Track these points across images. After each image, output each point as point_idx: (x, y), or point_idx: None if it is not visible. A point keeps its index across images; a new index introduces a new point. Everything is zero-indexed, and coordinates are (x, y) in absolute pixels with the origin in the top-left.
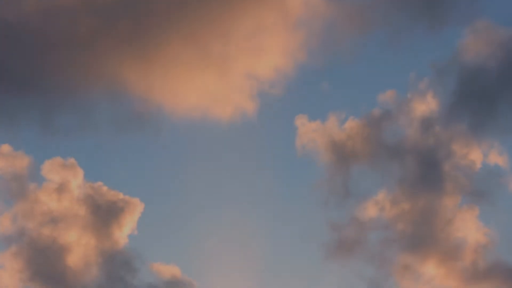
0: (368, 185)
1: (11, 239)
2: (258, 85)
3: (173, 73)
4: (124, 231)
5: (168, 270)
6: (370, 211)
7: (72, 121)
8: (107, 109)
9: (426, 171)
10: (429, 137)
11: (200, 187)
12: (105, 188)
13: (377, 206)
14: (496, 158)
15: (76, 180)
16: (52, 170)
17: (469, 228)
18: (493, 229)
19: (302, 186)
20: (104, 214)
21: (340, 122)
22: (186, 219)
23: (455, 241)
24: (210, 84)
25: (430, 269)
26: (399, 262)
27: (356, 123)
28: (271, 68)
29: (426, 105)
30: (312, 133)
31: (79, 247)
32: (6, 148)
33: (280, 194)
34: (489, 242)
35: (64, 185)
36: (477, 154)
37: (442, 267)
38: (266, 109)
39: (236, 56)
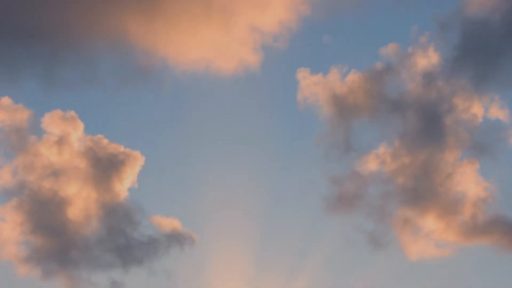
0: (369, 139)
1: (12, 192)
2: (261, 38)
3: (177, 26)
4: (124, 184)
5: (169, 223)
6: (370, 165)
7: (75, 74)
8: (111, 62)
9: (427, 125)
10: (430, 91)
11: (202, 141)
12: (105, 141)
13: (378, 160)
14: (497, 112)
15: (76, 133)
16: (52, 123)
17: (469, 182)
18: (493, 183)
19: (303, 139)
20: (104, 167)
21: (342, 75)
22: (187, 172)
23: (455, 195)
24: (214, 37)
25: (430, 223)
26: (399, 216)
27: (357, 76)
28: (275, 21)
29: (428, 59)
30: (314, 86)
31: (80, 200)
32: (6, 100)
33: (281, 147)
34: (488, 196)
35: (64, 138)
36: (478, 108)
37: (442, 221)
38: (269, 62)
39: (240, 9)
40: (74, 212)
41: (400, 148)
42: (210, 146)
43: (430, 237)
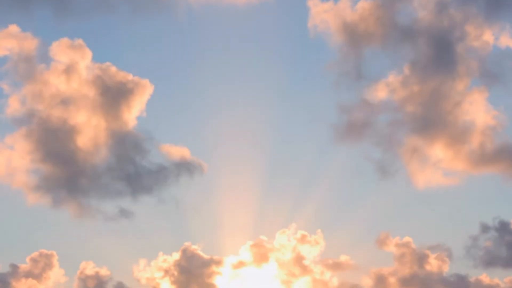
0: (379, 67)
1: (21, 121)
2: None
3: None
4: (133, 113)
5: (178, 151)
6: (380, 93)
7: (87, 1)
8: None
9: (438, 53)
10: (442, 19)
11: (212, 69)
12: (113, 69)
13: (388, 88)
14: (508, 41)
15: (84, 61)
16: (60, 51)
17: (478, 110)
18: (502, 111)
19: (314, 67)
20: (113, 96)
21: (353, 3)
22: (196, 101)
23: (464, 124)
24: None
25: (438, 151)
26: (407, 144)
27: (369, 4)
28: None
29: None
30: (325, 14)
31: (89, 129)
32: (14, 28)
33: (292, 75)
34: (497, 124)
35: (72, 66)
36: (489, 37)
37: (450, 149)
38: None
39: None
40: (83, 140)
41: (410, 76)
42: (221, 75)
43: (438, 165)
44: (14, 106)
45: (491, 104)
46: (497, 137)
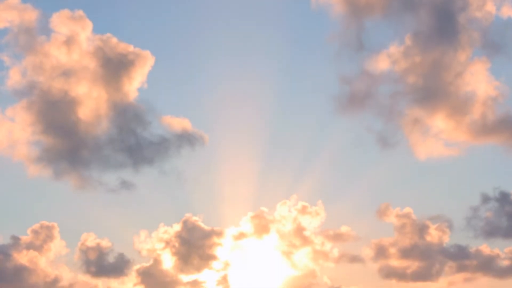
0: (380, 38)
1: (22, 92)
2: None
3: None
4: (134, 84)
5: (179, 122)
6: (381, 64)
7: None
8: None
9: (440, 24)
10: None
11: (213, 41)
12: (114, 40)
13: (389, 59)
14: (510, 11)
15: (85, 32)
16: (60, 22)
17: (479, 81)
18: (503, 82)
19: (315, 39)
20: (114, 67)
21: None
22: (198, 72)
23: (465, 95)
24: None
25: (439, 122)
26: (409, 115)
27: None
28: None
29: None
30: None
31: (90, 100)
32: (14, 0)
33: (293, 46)
34: (499, 95)
35: (72, 37)
36: (491, 7)
37: (451, 120)
38: None
39: None
40: (84, 112)
41: (411, 47)
42: (222, 46)
43: (439, 136)
44: (14, 78)
45: (493, 74)
46: (499, 107)
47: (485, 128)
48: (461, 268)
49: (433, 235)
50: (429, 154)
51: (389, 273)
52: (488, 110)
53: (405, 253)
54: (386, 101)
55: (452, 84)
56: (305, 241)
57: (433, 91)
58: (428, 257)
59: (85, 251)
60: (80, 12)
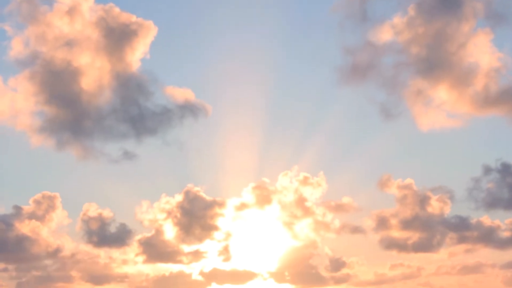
0: (384, 9)
1: (24, 63)
2: None
3: None
4: (136, 55)
5: (182, 93)
6: (384, 35)
7: None
8: None
9: None
10: None
11: (217, 12)
12: (117, 10)
13: (392, 30)
14: None
15: (87, 2)
16: None
17: (482, 52)
18: (507, 53)
19: (318, 10)
20: (116, 37)
21: None
22: (201, 43)
23: (468, 66)
24: None
25: (442, 93)
26: (411, 86)
27: None
28: None
29: None
30: None
31: (92, 70)
32: None
33: (296, 18)
34: (502, 66)
35: (75, 7)
36: None
37: (454, 91)
38: None
39: None
40: (87, 82)
41: (414, 17)
42: (225, 17)
43: (441, 107)
44: (17, 48)
45: (496, 46)
46: (501, 79)
47: (488, 100)
48: (462, 239)
49: (434, 206)
50: (432, 125)
51: (390, 244)
52: (491, 81)
53: (406, 224)
54: (389, 72)
55: (455, 55)
56: (307, 212)
57: (436, 62)
58: (429, 228)
59: (87, 221)
60: None
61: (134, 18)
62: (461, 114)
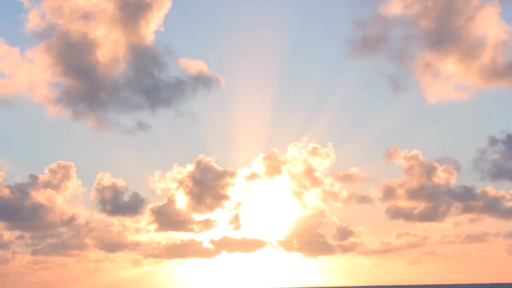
0: None
1: (41, 35)
2: None
3: None
4: (151, 27)
5: (195, 65)
6: (394, 8)
7: None
8: None
9: None
10: None
11: None
12: None
13: (402, 3)
14: None
15: None
16: None
17: (490, 25)
18: None
19: None
20: (131, 10)
21: None
22: (214, 16)
23: (476, 39)
24: None
25: (450, 66)
26: (420, 59)
27: None
28: None
29: None
30: None
31: (108, 43)
32: None
33: None
34: (509, 39)
35: None
36: None
37: (462, 64)
38: None
39: None
40: (103, 54)
41: None
42: None
43: (449, 80)
44: (34, 20)
45: (504, 19)
46: (509, 52)
47: (495, 72)
48: (467, 209)
49: (440, 176)
50: (439, 97)
51: (397, 214)
52: (498, 54)
53: (412, 194)
54: (398, 44)
55: (464, 28)
56: (315, 182)
57: (445, 35)
58: (435, 198)
59: (100, 190)
60: None
61: None
62: (468, 87)
